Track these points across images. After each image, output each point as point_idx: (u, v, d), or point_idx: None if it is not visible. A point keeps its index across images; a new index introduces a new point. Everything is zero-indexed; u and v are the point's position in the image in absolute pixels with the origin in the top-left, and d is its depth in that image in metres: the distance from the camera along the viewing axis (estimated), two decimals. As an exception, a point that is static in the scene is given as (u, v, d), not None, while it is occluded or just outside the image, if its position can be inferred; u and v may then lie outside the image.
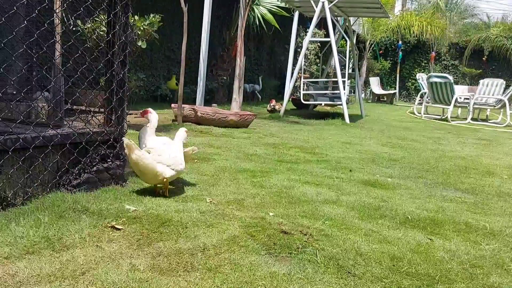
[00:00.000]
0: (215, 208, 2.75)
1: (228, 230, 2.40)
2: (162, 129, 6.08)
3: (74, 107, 3.09)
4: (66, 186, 2.67)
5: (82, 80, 2.85)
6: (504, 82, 12.15)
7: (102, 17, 4.31)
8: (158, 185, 2.96)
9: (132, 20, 5.09)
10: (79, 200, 2.53)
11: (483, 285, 2.03)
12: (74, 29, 4.38)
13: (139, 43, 5.22)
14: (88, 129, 2.80)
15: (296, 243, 2.30)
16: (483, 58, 19.25)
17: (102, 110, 3.06)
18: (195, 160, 4.13)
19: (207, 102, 9.96)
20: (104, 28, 3.57)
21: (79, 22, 4.59)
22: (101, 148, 2.87)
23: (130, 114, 7.21)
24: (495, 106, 11.69)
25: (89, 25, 4.63)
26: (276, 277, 1.93)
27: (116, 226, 2.32)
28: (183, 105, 6.64)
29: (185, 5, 6.10)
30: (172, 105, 6.93)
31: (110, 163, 2.91)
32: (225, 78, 11.21)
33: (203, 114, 6.72)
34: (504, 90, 11.85)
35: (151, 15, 5.29)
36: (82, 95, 2.98)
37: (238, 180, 3.55)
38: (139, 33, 5.19)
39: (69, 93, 3.49)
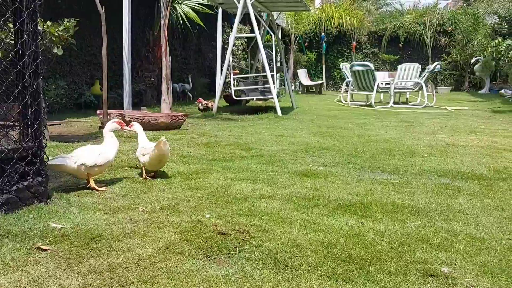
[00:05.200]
0: (148, 217, 2.68)
1: (163, 238, 2.35)
2: (88, 137, 5.81)
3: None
4: (-18, 210, 2.47)
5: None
6: (420, 66, 12.98)
7: (10, 25, 4.01)
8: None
9: (44, 27, 4.79)
10: (-1, 224, 2.35)
11: (411, 261, 2.15)
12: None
13: (55, 50, 4.93)
14: (1, 147, 2.60)
15: (234, 242, 2.30)
16: (400, 45, 20.42)
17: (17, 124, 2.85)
18: (125, 168, 3.99)
19: (136, 105, 9.67)
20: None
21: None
22: (19, 166, 2.68)
23: (53, 124, 6.83)
24: (413, 89, 12.46)
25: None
26: (215, 280, 1.91)
27: (42, 247, 2.18)
28: (109, 111, 6.39)
29: (102, 7, 5.86)
30: (98, 111, 6.65)
31: (31, 180, 2.73)
32: (152, 79, 10.94)
33: (131, 118, 6.50)
34: (420, 74, 12.66)
35: (66, 20, 5.01)
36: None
37: (172, 184, 3.48)
38: (54, 39, 4.89)
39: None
